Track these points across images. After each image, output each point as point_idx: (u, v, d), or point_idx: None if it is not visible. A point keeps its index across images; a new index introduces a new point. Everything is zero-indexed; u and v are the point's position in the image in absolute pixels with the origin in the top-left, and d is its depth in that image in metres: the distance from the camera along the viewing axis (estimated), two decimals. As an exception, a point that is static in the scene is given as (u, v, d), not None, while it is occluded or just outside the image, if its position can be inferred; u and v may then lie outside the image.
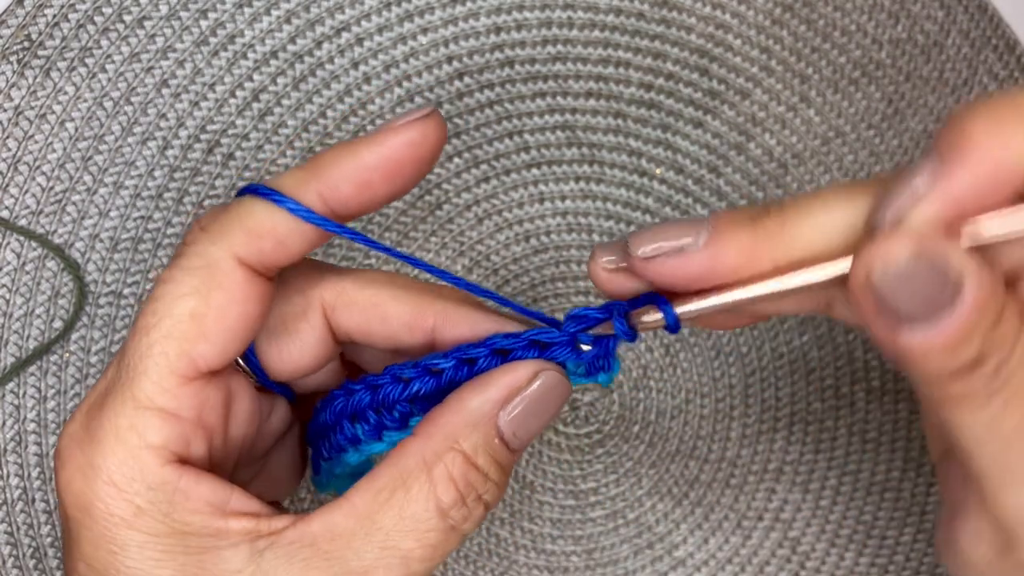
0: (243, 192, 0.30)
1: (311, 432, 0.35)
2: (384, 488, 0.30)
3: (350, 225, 0.31)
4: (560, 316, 0.50)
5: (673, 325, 0.29)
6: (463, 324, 0.32)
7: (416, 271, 0.47)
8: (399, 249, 0.49)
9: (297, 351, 0.33)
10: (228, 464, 0.32)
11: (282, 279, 0.33)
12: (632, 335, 0.30)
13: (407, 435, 0.31)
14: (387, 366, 0.32)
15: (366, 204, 0.30)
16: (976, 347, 0.25)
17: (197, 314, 0.29)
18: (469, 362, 0.31)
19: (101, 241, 0.48)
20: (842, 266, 0.27)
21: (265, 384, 0.33)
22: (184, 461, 0.30)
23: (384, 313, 0.33)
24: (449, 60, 0.50)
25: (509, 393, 0.30)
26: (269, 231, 0.29)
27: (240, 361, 0.33)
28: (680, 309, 0.29)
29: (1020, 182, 0.25)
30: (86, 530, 0.29)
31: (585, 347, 0.31)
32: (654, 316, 0.29)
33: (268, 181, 0.30)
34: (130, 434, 0.29)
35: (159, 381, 0.29)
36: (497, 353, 0.31)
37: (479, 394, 0.30)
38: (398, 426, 0.32)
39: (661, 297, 0.29)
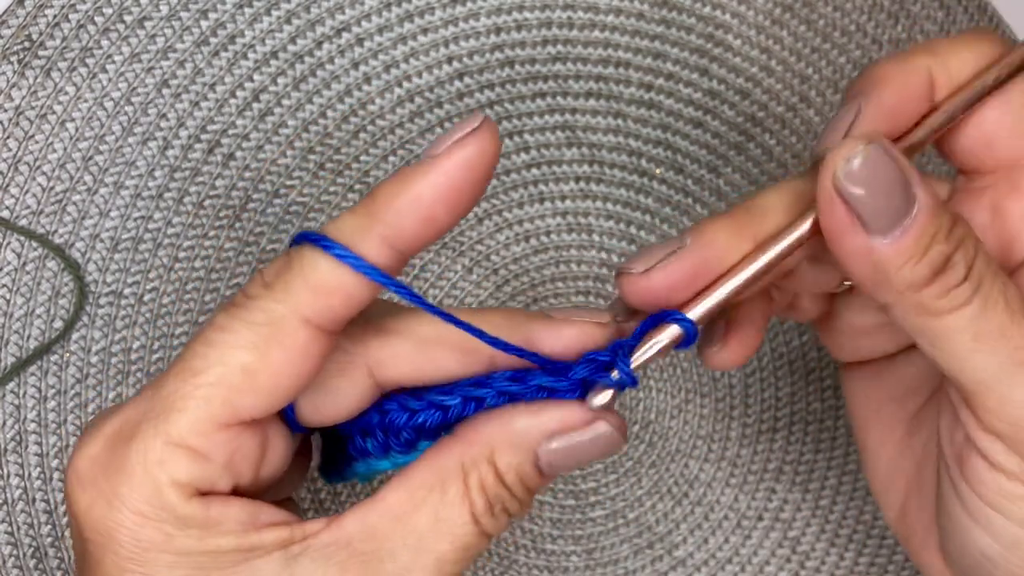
0: (301, 238, 0.29)
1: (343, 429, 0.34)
2: (419, 488, 0.29)
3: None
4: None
5: (691, 332, 0.30)
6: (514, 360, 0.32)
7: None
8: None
9: (332, 407, 0.32)
10: (258, 493, 0.32)
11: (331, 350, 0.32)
12: (634, 380, 0.30)
13: (413, 458, 0.31)
14: (396, 393, 0.32)
15: (431, 237, 0.29)
16: (942, 248, 0.27)
17: (251, 370, 0.28)
18: (477, 400, 0.31)
19: (101, 241, 0.48)
20: (808, 222, 0.30)
21: (296, 430, 0.32)
22: (211, 494, 0.29)
23: (436, 362, 0.32)
24: (449, 60, 0.50)
25: (560, 427, 0.30)
26: (337, 288, 0.28)
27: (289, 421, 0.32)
28: (692, 313, 0.30)
29: (922, 109, 0.30)
30: (111, 554, 0.29)
31: (602, 394, 0.30)
32: (669, 332, 0.30)
33: (327, 228, 0.29)
34: (158, 468, 0.28)
35: (195, 423, 0.28)
36: (503, 395, 0.31)
37: (530, 417, 0.30)
38: (404, 450, 0.32)
39: (670, 312, 0.30)
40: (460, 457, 0.30)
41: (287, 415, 0.32)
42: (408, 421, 0.31)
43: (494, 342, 0.30)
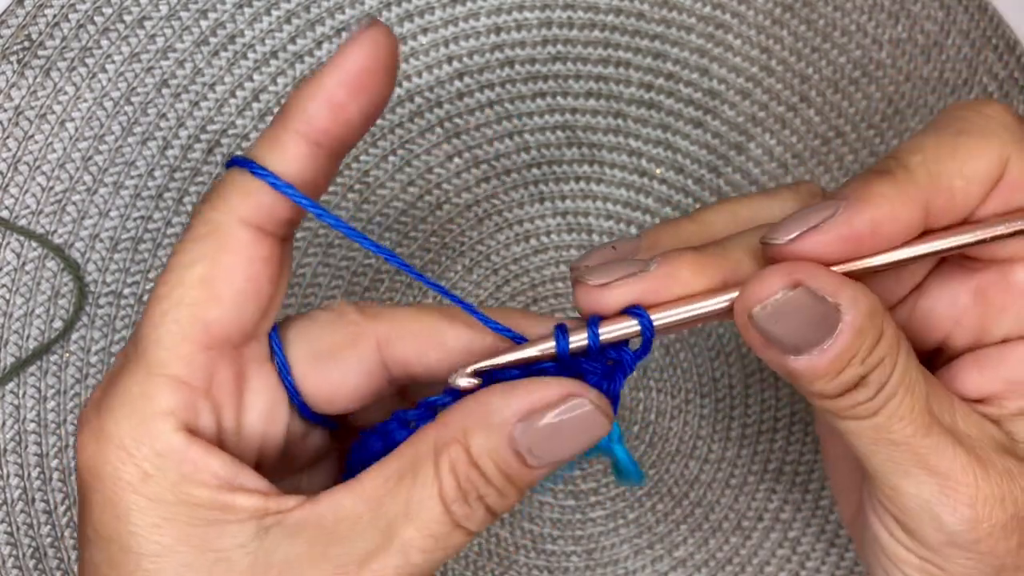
0: (232, 164, 0.30)
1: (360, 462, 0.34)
2: (394, 472, 0.29)
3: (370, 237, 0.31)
4: (561, 317, 0.50)
5: (648, 330, 0.30)
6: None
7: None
8: (403, 248, 0.49)
9: (339, 378, 0.32)
10: (245, 458, 0.32)
11: (336, 310, 0.33)
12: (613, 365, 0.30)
13: None
14: (394, 412, 0.32)
15: (346, 127, 0.30)
16: (856, 371, 0.28)
17: (207, 279, 0.29)
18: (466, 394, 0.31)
19: (101, 241, 0.48)
20: (726, 298, 0.30)
21: (296, 402, 0.33)
22: (193, 433, 0.30)
23: (442, 339, 0.32)
24: (449, 60, 0.50)
25: (532, 407, 0.29)
26: (261, 187, 0.30)
27: (284, 381, 0.32)
28: (656, 316, 0.30)
29: (909, 234, 0.29)
30: (96, 493, 0.29)
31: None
32: (628, 324, 0.30)
33: (248, 150, 0.30)
34: (141, 400, 0.29)
35: (172, 348, 0.29)
36: (531, 373, 0.31)
37: (503, 396, 0.29)
38: None
39: (635, 308, 0.30)
40: (433, 440, 0.29)
41: (288, 389, 0.32)
42: (408, 434, 0.31)
43: (485, 320, 0.31)
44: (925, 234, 0.30)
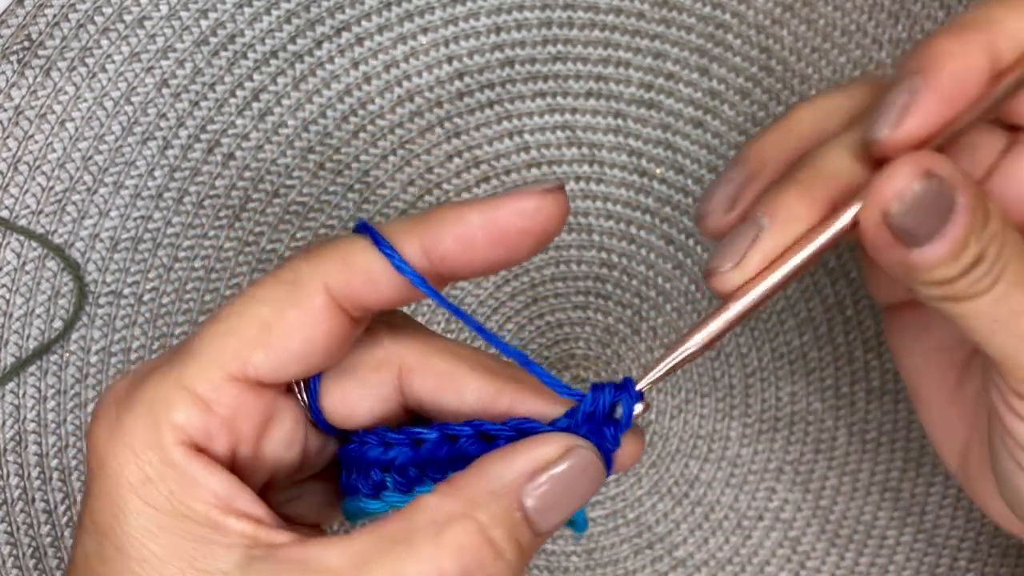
0: (360, 228, 0.30)
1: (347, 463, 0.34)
2: (387, 537, 0.28)
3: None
4: (561, 317, 0.50)
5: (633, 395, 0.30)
6: (536, 411, 0.31)
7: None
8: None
9: (357, 399, 0.32)
10: (255, 480, 0.32)
11: (371, 331, 0.32)
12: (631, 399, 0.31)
13: (408, 500, 0.30)
14: (405, 427, 0.32)
15: (467, 265, 0.29)
16: (975, 249, 0.28)
17: (266, 323, 0.29)
18: (451, 438, 0.30)
19: (101, 241, 0.48)
20: (850, 215, 0.30)
21: (317, 421, 0.33)
22: (201, 451, 0.30)
23: (460, 387, 0.32)
24: (449, 60, 0.50)
25: (536, 466, 0.28)
26: (363, 268, 0.29)
27: (303, 395, 0.32)
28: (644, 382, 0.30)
29: (980, 89, 0.30)
30: (98, 484, 0.29)
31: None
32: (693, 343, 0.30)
33: (379, 225, 0.30)
34: (160, 407, 0.29)
35: (206, 368, 0.29)
36: (484, 438, 0.30)
37: (505, 461, 0.29)
38: (401, 488, 0.31)
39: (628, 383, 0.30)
40: (433, 511, 0.28)
41: (311, 402, 0.32)
42: (381, 456, 0.31)
43: (526, 362, 0.30)
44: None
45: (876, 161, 0.30)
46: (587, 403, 0.30)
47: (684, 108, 0.50)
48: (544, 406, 0.31)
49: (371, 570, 0.28)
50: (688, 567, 0.49)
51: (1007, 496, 0.34)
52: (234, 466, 0.31)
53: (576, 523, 0.31)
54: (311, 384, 0.32)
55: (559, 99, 0.50)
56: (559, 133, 0.50)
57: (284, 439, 0.32)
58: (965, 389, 0.36)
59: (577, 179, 0.50)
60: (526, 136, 0.50)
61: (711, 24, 0.50)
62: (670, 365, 0.31)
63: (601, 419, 0.30)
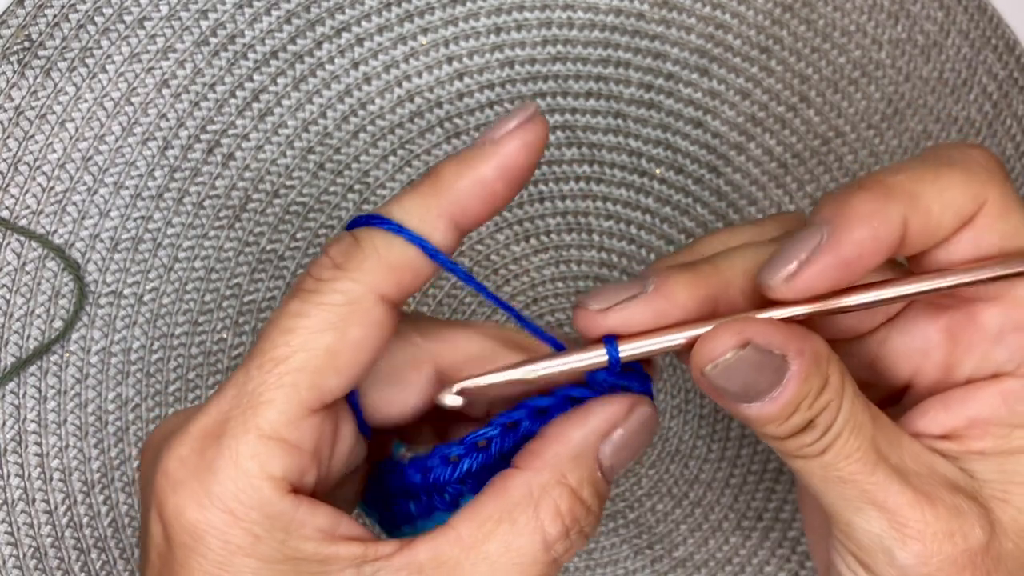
0: (365, 220, 0.30)
1: (385, 491, 0.35)
2: (489, 518, 0.30)
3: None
4: (560, 317, 0.50)
5: (615, 364, 0.31)
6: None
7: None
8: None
9: (401, 401, 0.33)
10: (326, 493, 0.32)
11: (399, 335, 0.33)
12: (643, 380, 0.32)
13: (452, 513, 0.31)
14: (436, 446, 0.32)
15: (491, 213, 0.31)
16: (804, 416, 0.29)
17: (333, 350, 0.29)
18: (512, 426, 0.32)
19: (101, 241, 0.48)
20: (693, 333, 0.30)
21: (360, 426, 0.33)
22: (297, 491, 0.30)
23: (497, 365, 0.33)
24: (449, 60, 0.50)
25: (609, 425, 0.31)
26: (408, 265, 0.30)
27: (360, 424, 0.33)
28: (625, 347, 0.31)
29: (879, 261, 0.30)
30: (200, 557, 0.29)
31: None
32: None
33: (389, 207, 0.30)
34: (251, 463, 0.29)
35: (287, 412, 0.29)
36: (540, 413, 0.32)
37: (581, 427, 0.31)
38: (447, 508, 0.32)
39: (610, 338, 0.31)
40: (527, 486, 0.30)
41: (355, 409, 0.33)
42: (453, 473, 0.32)
43: (549, 339, 0.32)
44: (897, 272, 0.31)
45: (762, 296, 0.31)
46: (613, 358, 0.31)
47: (684, 108, 0.50)
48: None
49: (484, 551, 0.30)
50: (688, 567, 0.49)
51: None
52: (318, 491, 0.31)
53: None
54: (351, 395, 0.32)
55: (559, 99, 0.50)
56: (559, 133, 0.50)
57: (347, 448, 0.32)
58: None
59: (577, 179, 0.50)
60: (526, 136, 0.50)
61: (711, 24, 0.50)
62: (499, 380, 0.31)
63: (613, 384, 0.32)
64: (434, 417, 0.36)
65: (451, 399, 0.31)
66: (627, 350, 0.30)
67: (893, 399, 0.35)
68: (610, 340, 0.30)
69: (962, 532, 0.30)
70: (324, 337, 0.29)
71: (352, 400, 0.32)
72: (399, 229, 0.30)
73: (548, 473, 0.30)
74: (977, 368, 0.32)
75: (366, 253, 0.30)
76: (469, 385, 0.31)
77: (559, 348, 0.32)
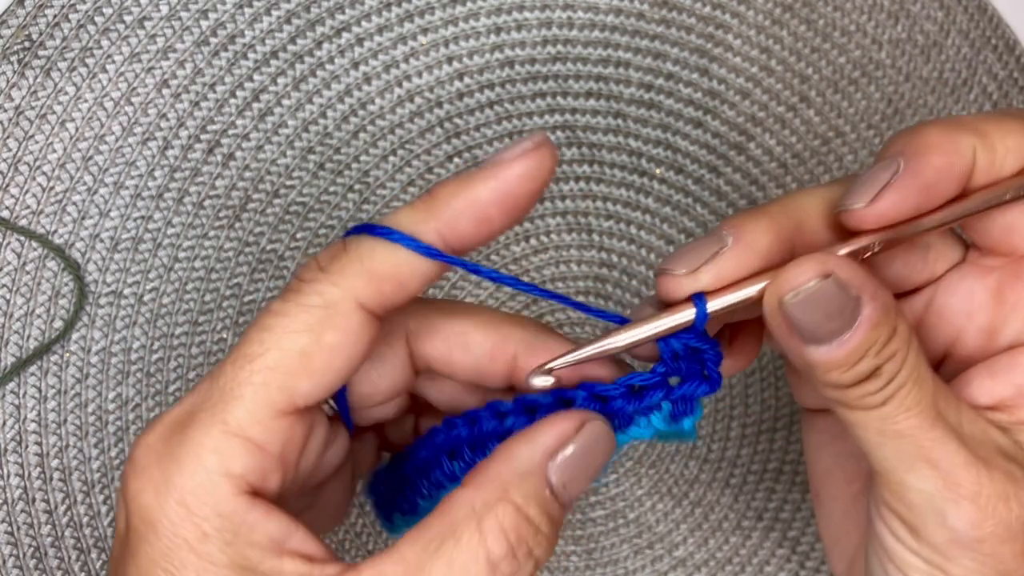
0: (357, 231, 0.30)
1: (409, 468, 0.34)
2: (433, 539, 0.29)
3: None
4: (560, 317, 0.50)
5: (702, 317, 0.30)
6: (544, 352, 0.32)
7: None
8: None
9: (376, 376, 0.33)
10: (291, 496, 0.32)
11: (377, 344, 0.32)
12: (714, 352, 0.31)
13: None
14: (489, 401, 0.32)
15: (483, 238, 0.30)
16: (871, 363, 0.29)
17: (307, 352, 0.29)
18: (566, 403, 0.31)
19: (101, 241, 0.48)
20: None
21: (343, 416, 0.33)
22: (256, 493, 0.30)
23: (467, 341, 0.33)
24: (449, 60, 0.50)
25: (557, 442, 0.30)
26: (391, 273, 0.29)
27: (331, 402, 0.33)
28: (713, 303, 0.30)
29: (956, 189, 0.31)
30: (147, 545, 0.29)
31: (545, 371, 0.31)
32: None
33: (384, 219, 0.30)
34: (212, 458, 0.29)
35: (254, 411, 0.29)
36: (596, 398, 0.31)
37: (528, 444, 0.30)
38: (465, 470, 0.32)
39: (697, 296, 0.30)
40: (471, 503, 0.29)
41: (340, 406, 0.32)
42: (497, 428, 0.32)
43: (573, 304, 0.31)
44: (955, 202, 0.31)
45: (841, 228, 0.31)
46: (663, 351, 0.31)
47: (684, 108, 0.50)
48: (551, 346, 0.33)
49: (427, 571, 0.29)
50: (688, 567, 0.49)
51: None
52: (280, 495, 0.31)
53: (685, 433, 0.32)
54: (342, 410, 0.32)
55: (559, 99, 0.50)
56: (559, 133, 0.50)
57: (317, 448, 0.32)
58: (865, 499, 0.37)
59: (577, 179, 0.50)
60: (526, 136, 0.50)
61: (711, 24, 0.50)
62: (587, 355, 0.31)
63: (688, 352, 0.31)
64: (416, 411, 0.36)
65: (540, 380, 0.30)
66: (713, 305, 0.30)
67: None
68: (699, 297, 0.30)
69: (1017, 498, 0.30)
70: (299, 339, 0.29)
71: (340, 399, 0.32)
72: (389, 232, 0.29)
73: (491, 490, 0.29)
74: (1020, 332, 0.33)
75: (350, 258, 0.30)
76: (558, 364, 0.30)
77: (622, 322, 0.31)
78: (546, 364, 0.31)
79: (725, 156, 0.50)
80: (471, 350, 0.33)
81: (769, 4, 0.50)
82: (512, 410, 0.32)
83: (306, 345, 0.29)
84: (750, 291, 0.30)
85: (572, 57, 0.50)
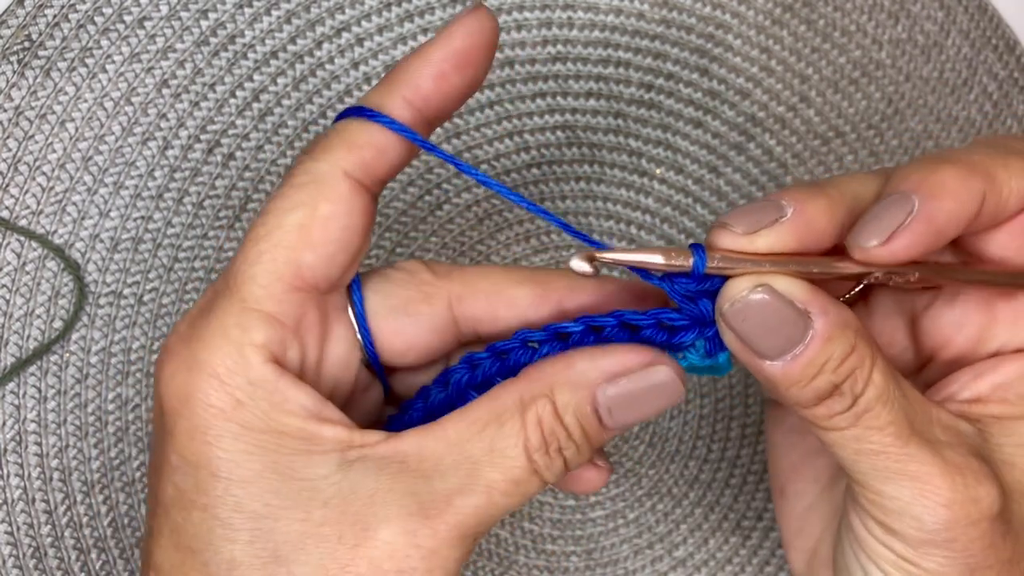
0: (339, 118, 0.32)
1: (411, 421, 0.35)
2: (478, 420, 0.31)
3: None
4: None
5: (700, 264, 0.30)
6: (585, 295, 0.34)
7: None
8: (403, 248, 0.49)
9: (411, 333, 0.34)
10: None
11: (409, 270, 0.34)
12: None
13: None
14: (517, 331, 0.33)
15: (446, 98, 0.32)
16: (827, 379, 0.30)
17: (304, 225, 0.31)
18: (596, 329, 0.32)
19: (101, 241, 0.48)
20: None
21: (371, 356, 0.34)
22: (282, 366, 0.31)
23: (511, 296, 0.34)
24: (449, 60, 0.50)
25: (618, 369, 0.31)
26: (368, 142, 0.32)
27: (353, 319, 0.34)
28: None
29: (967, 227, 0.31)
30: (184, 420, 0.30)
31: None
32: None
33: (358, 101, 0.33)
34: (235, 331, 0.30)
35: (266, 286, 0.31)
36: (625, 326, 0.32)
37: (589, 359, 0.31)
38: None
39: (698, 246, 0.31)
40: (519, 394, 0.31)
41: (364, 338, 0.34)
42: (532, 357, 0.32)
43: (594, 243, 0.32)
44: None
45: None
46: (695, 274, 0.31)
47: (684, 108, 0.50)
48: (592, 286, 0.34)
49: (467, 449, 0.30)
50: (688, 567, 0.49)
51: (839, 574, 0.36)
52: (303, 379, 0.32)
53: (720, 366, 0.33)
54: (359, 316, 0.34)
55: (559, 99, 0.50)
56: (559, 133, 0.50)
57: (340, 356, 0.33)
58: (830, 494, 0.38)
59: (577, 179, 0.50)
60: (526, 136, 0.50)
61: (711, 24, 0.50)
62: (633, 259, 0.31)
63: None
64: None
65: (579, 264, 0.31)
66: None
67: (915, 370, 0.36)
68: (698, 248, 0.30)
69: (988, 497, 0.31)
70: (295, 214, 0.31)
71: (360, 321, 0.33)
72: (359, 110, 0.32)
73: (540, 386, 0.31)
74: (1006, 342, 0.34)
75: (330, 138, 0.32)
76: (606, 256, 0.31)
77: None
78: (594, 253, 0.31)
79: (725, 156, 0.50)
80: (516, 303, 0.34)
81: (769, 4, 0.50)
82: (544, 339, 0.32)
83: (302, 219, 0.31)
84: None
85: (572, 57, 0.50)
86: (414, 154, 0.33)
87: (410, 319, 0.34)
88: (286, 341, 0.31)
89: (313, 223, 0.31)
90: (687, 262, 0.30)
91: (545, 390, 0.31)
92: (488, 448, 0.30)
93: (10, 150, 0.48)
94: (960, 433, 0.32)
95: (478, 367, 0.33)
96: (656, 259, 0.31)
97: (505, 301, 0.34)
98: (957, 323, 0.35)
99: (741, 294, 0.30)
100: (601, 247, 0.32)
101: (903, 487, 0.31)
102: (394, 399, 0.37)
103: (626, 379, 0.31)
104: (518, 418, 0.31)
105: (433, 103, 0.32)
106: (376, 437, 0.31)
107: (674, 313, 0.32)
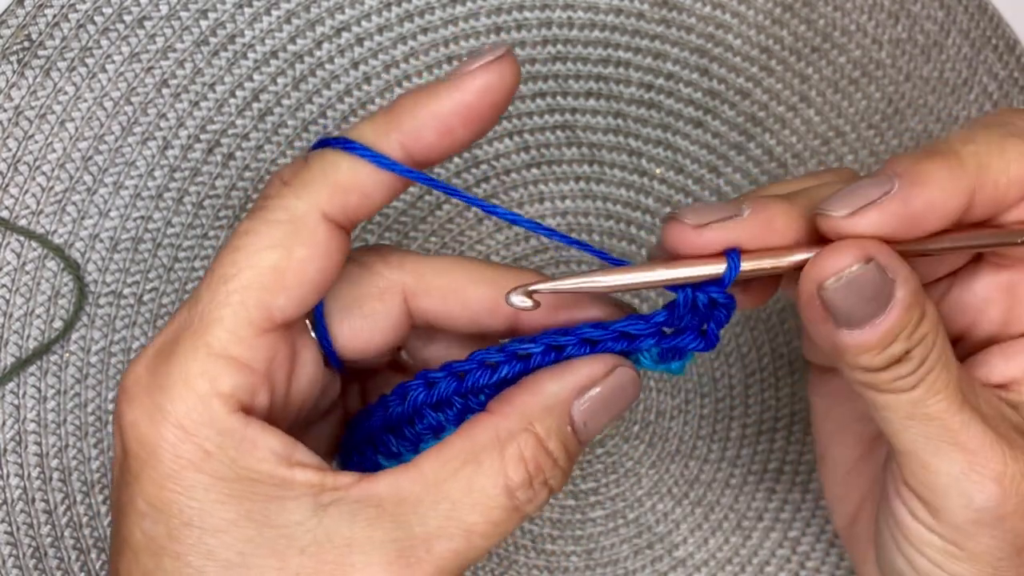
0: (321, 144, 0.30)
1: (369, 429, 0.34)
2: (454, 459, 0.30)
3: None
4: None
5: (734, 266, 0.30)
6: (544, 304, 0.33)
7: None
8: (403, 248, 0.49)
9: (368, 331, 0.33)
10: (284, 425, 0.32)
11: (362, 261, 0.33)
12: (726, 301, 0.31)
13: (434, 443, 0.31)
14: (472, 352, 0.32)
15: (446, 150, 0.30)
16: (902, 345, 0.29)
17: (279, 268, 0.29)
18: (557, 348, 0.32)
19: (101, 241, 0.48)
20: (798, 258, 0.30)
21: (330, 357, 0.33)
22: (248, 412, 0.30)
23: (464, 297, 0.33)
24: (449, 60, 0.50)
25: (586, 383, 0.31)
26: (355, 185, 0.30)
27: (311, 331, 0.33)
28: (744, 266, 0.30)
29: (951, 220, 0.30)
30: (150, 469, 0.29)
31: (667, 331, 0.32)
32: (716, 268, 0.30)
33: (346, 131, 0.30)
34: (200, 380, 0.29)
35: (235, 330, 0.29)
36: (585, 342, 0.31)
37: (558, 380, 0.31)
38: (431, 435, 0.32)
39: (733, 252, 0.30)
40: (495, 430, 0.30)
41: (322, 338, 0.33)
42: (491, 377, 0.32)
43: (573, 242, 0.31)
44: (964, 227, 0.31)
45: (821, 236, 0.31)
46: (681, 300, 0.31)
47: (684, 108, 0.50)
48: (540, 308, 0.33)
49: (445, 490, 0.30)
50: (688, 567, 0.49)
51: (882, 566, 0.35)
52: (272, 417, 0.31)
53: (672, 371, 0.33)
54: (318, 321, 0.33)
55: (559, 99, 0.50)
56: (559, 133, 0.50)
57: (308, 378, 0.32)
58: (869, 461, 0.38)
59: (577, 179, 0.50)
60: (526, 136, 0.50)
61: (711, 24, 0.50)
62: (574, 287, 0.31)
63: (697, 305, 0.31)
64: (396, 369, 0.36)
65: (520, 300, 0.30)
66: (747, 266, 0.30)
67: None
68: (734, 253, 0.30)
69: None
70: (270, 255, 0.29)
71: (319, 327, 0.33)
72: (351, 145, 0.29)
73: (516, 419, 0.30)
74: None
75: (312, 172, 0.30)
76: (543, 288, 0.30)
77: (618, 263, 0.32)
78: (530, 285, 0.30)
79: (725, 156, 0.50)
80: (469, 305, 0.33)
81: (769, 4, 0.50)
82: (502, 360, 0.32)
83: (277, 261, 0.29)
84: (785, 261, 0.30)
85: (572, 57, 0.50)
86: (397, 195, 0.31)
87: (364, 317, 0.33)
88: (255, 387, 0.30)
89: (288, 267, 0.29)
90: (699, 272, 0.30)
91: (523, 423, 0.30)
92: (467, 488, 0.30)
93: (10, 150, 0.48)
94: (1003, 413, 0.32)
95: (435, 386, 0.32)
96: (599, 282, 0.30)
97: (460, 302, 0.33)
98: (979, 305, 0.34)
99: (851, 268, 0.29)
100: (603, 256, 0.31)
101: (953, 460, 0.30)
102: (344, 384, 0.36)
103: (596, 389, 0.31)
104: (496, 456, 0.30)
105: (430, 155, 0.30)
106: (349, 479, 0.30)
107: (637, 322, 0.31)
